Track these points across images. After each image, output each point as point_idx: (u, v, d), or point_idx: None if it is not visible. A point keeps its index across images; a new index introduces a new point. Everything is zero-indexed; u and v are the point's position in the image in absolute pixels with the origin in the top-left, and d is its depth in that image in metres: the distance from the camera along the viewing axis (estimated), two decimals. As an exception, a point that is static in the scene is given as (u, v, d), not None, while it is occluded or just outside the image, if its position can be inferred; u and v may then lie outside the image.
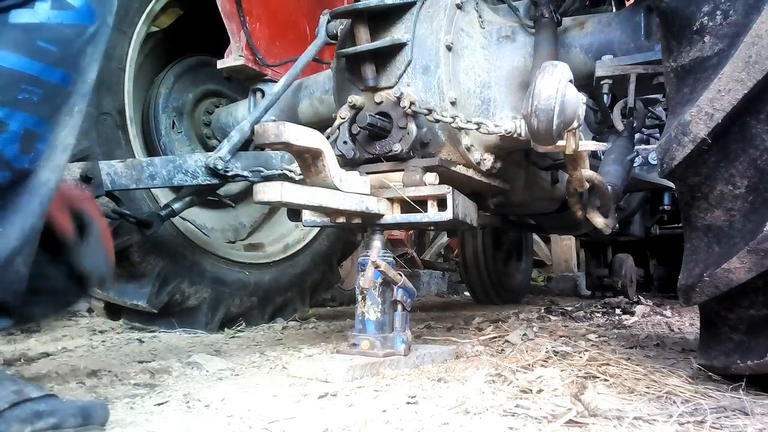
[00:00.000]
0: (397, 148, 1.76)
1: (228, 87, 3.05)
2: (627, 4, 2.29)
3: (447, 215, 1.67)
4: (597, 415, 1.08)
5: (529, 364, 1.56)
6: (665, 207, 4.12)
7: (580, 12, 2.17)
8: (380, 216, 1.72)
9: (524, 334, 2.18)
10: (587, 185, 1.82)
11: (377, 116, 1.76)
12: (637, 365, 1.56)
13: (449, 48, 1.79)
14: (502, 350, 1.92)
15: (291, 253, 3.09)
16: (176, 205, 2.25)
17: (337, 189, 1.57)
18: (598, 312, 3.25)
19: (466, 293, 4.61)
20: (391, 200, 1.74)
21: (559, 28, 1.96)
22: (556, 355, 1.68)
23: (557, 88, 1.42)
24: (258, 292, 2.86)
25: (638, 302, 3.58)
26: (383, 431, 1.04)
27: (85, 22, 1.00)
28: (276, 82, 2.36)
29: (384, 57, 1.82)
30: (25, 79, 0.96)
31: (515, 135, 1.66)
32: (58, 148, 1.03)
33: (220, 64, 2.62)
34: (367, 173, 1.75)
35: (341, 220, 1.69)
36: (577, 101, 1.49)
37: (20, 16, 0.94)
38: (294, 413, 1.16)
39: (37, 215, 1.01)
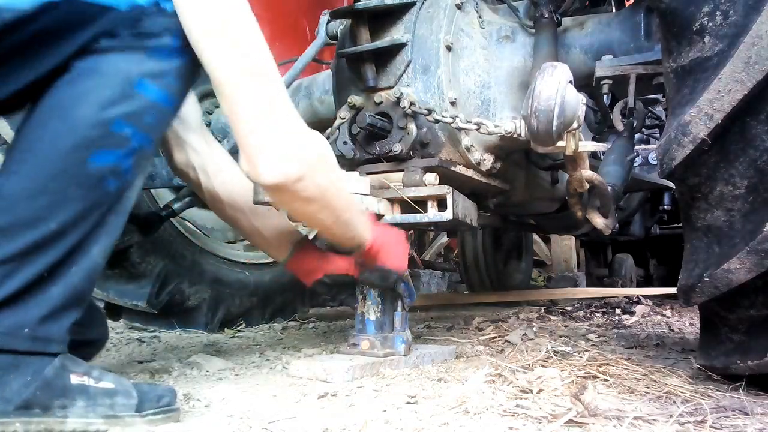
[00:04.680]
0: (397, 148, 1.76)
1: (228, 87, 3.04)
2: (627, 4, 2.29)
3: (447, 215, 1.67)
4: (597, 415, 1.08)
5: (529, 364, 1.56)
6: (665, 207, 4.11)
7: (580, 12, 2.17)
8: (380, 216, 1.72)
9: (524, 334, 2.18)
10: (587, 185, 1.82)
11: (377, 116, 1.76)
12: (637, 365, 1.55)
13: (449, 48, 1.79)
14: (502, 350, 1.92)
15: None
16: (176, 206, 2.25)
17: (337, 189, 1.57)
18: (598, 312, 3.25)
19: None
20: (391, 200, 1.74)
21: (559, 28, 1.96)
22: (556, 355, 1.68)
23: (557, 89, 1.42)
24: (258, 292, 2.86)
25: (638, 302, 3.58)
26: (383, 431, 1.04)
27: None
28: (276, 82, 2.35)
29: (384, 57, 1.81)
30: (154, 106, 1.06)
31: (515, 135, 1.66)
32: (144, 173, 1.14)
33: (220, 64, 2.62)
34: (367, 173, 1.75)
35: (341, 220, 1.69)
36: (577, 102, 1.49)
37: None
38: (294, 413, 1.16)
39: (116, 237, 1.09)
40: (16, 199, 1.00)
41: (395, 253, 1.55)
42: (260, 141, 1.07)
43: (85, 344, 1.39)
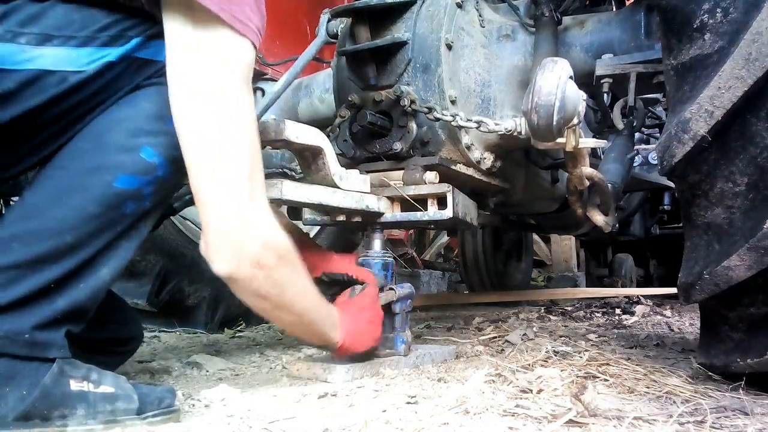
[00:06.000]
0: (398, 146, 1.76)
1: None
2: (627, 3, 2.29)
3: (447, 213, 1.67)
4: (597, 415, 1.08)
5: (529, 364, 1.55)
6: (665, 207, 4.11)
7: (580, 11, 2.16)
8: (380, 214, 1.71)
9: (524, 334, 2.18)
10: (587, 183, 1.82)
11: (377, 115, 1.76)
12: (637, 365, 1.55)
13: (449, 47, 1.79)
14: (502, 350, 1.92)
15: (291, 253, 3.08)
16: (176, 204, 2.25)
17: (338, 187, 1.56)
18: (598, 312, 3.25)
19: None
20: (392, 199, 1.74)
21: (559, 27, 1.96)
22: (556, 355, 1.68)
23: (557, 84, 1.42)
24: (258, 292, 2.85)
25: (638, 302, 3.58)
26: (383, 431, 1.04)
27: None
28: (276, 81, 2.36)
29: (384, 56, 1.81)
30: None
31: (515, 133, 1.66)
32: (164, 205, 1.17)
33: (220, 63, 2.61)
34: (368, 172, 1.74)
35: (341, 218, 1.69)
36: (578, 97, 1.48)
37: None
38: (294, 413, 1.15)
39: (125, 262, 1.11)
40: (38, 209, 1.02)
41: (367, 337, 1.50)
42: (221, 234, 1.04)
43: (121, 342, 1.42)
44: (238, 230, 1.05)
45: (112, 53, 1.04)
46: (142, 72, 1.08)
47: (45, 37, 1.00)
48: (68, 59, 1.01)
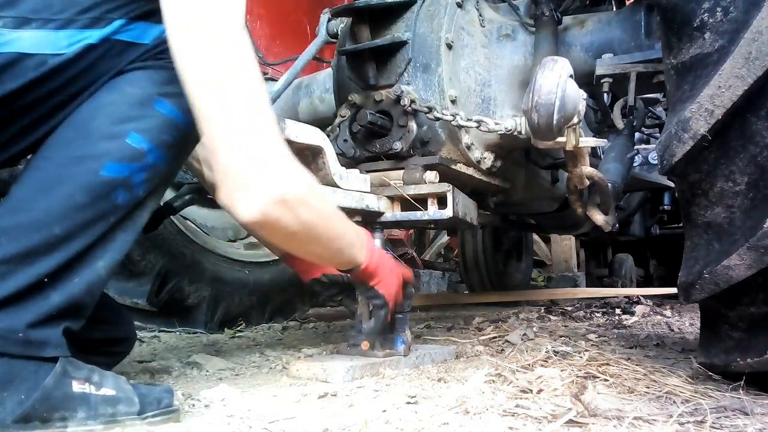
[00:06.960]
0: (398, 146, 1.76)
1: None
2: (627, 2, 2.29)
3: (447, 213, 1.67)
4: (597, 415, 1.08)
5: (529, 364, 1.55)
6: (665, 207, 4.11)
7: (581, 11, 2.16)
8: (380, 214, 1.71)
9: (524, 334, 2.18)
10: (587, 182, 1.82)
11: (377, 114, 1.76)
12: (637, 365, 1.55)
13: (450, 46, 1.79)
14: (502, 350, 1.91)
15: (291, 252, 3.08)
16: (176, 203, 2.25)
17: (338, 186, 1.56)
18: (598, 312, 3.24)
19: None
20: (392, 198, 1.74)
21: (559, 26, 1.96)
22: (556, 355, 1.68)
23: (558, 83, 1.42)
24: (258, 291, 2.86)
25: (638, 302, 3.57)
26: (383, 431, 1.04)
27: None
28: (276, 80, 2.36)
29: (384, 55, 1.81)
30: (172, 124, 1.05)
31: (515, 133, 1.66)
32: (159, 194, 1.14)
33: (220, 63, 2.61)
34: (368, 171, 1.74)
35: (341, 218, 1.69)
36: (578, 96, 1.48)
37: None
38: (294, 413, 1.15)
39: (123, 254, 1.08)
40: (24, 202, 1.00)
41: (387, 280, 1.50)
42: (241, 177, 1.00)
43: (114, 342, 1.40)
44: (258, 172, 1.01)
45: (93, 35, 1.01)
46: (125, 55, 1.05)
47: (22, 20, 0.97)
48: (47, 42, 0.98)
